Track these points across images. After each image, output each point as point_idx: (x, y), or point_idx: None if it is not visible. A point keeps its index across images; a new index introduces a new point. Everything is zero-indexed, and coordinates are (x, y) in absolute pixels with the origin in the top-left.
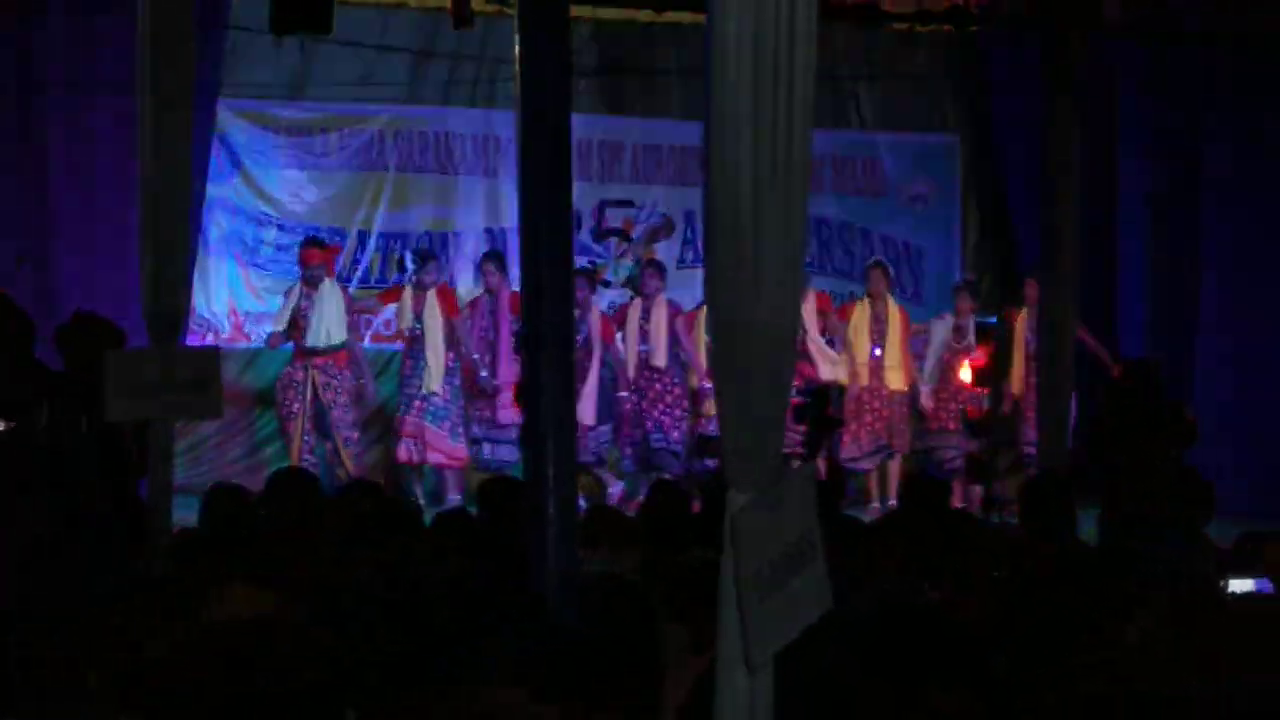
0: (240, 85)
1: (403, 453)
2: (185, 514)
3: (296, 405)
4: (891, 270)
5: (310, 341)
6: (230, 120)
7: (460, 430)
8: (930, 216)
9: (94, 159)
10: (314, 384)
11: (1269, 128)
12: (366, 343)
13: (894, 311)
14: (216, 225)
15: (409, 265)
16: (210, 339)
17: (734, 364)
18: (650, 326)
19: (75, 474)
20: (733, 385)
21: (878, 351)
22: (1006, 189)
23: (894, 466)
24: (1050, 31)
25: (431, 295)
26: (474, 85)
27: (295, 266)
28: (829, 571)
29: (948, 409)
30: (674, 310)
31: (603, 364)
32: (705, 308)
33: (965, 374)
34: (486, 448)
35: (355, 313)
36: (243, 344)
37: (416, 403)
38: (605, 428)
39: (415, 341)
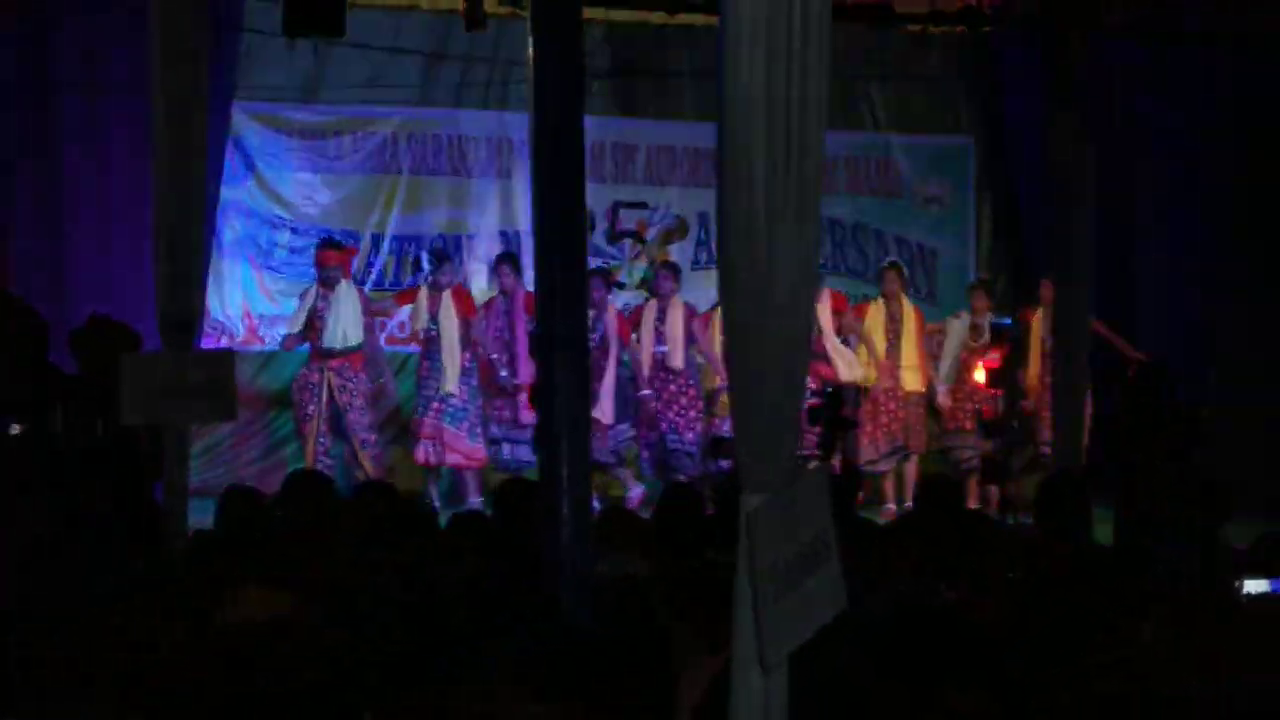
0: (254, 88)
1: (421, 454)
2: (201, 517)
3: (312, 407)
4: (906, 271)
5: (326, 343)
6: (244, 123)
7: (479, 430)
8: (944, 218)
9: (108, 160)
10: (329, 386)
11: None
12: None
13: (909, 312)
14: (231, 228)
15: (425, 265)
16: (224, 342)
17: (748, 365)
18: (666, 328)
19: (76, 474)
20: (747, 386)
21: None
22: (1019, 190)
23: (910, 468)
24: (1050, 32)
25: (447, 296)
26: (487, 87)
27: (309, 269)
28: (844, 572)
29: (964, 409)
30: (689, 311)
31: (620, 362)
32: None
33: (980, 375)
34: (506, 448)
35: (371, 315)
36: (257, 347)
37: (435, 404)
38: (624, 425)
39: (431, 343)
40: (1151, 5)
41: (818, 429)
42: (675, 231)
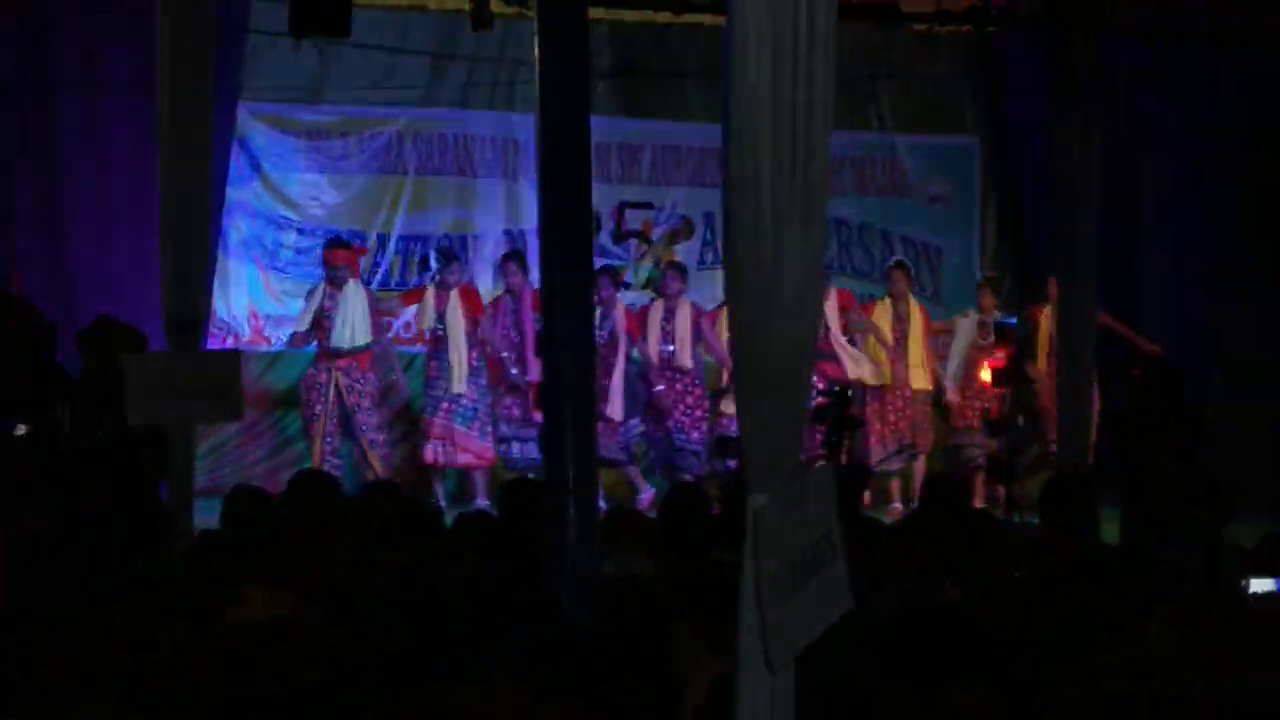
0: (260, 89)
1: (430, 454)
2: (208, 517)
3: (319, 407)
4: (912, 270)
5: (334, 343)
6: (250, 124)
7: (489, 429)
8: (950, 217)
9: (108, 160)
10: (337, 386)
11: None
12: None
13: (915, 311)
14: (236, 229)
15: (433, 264)
16: (230, 342)
17: (754, 364)
18: (673, 327)
19: (77, 474)
20: (753, 386)
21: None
22: (1024, 189)
23: (918, 467)
24: (1055, 32)
25: (454, 295)
26: (493, 88)
27: (315, 270)
28: (849, 572)
29: (972, 407)
30: (696, 310)
31: (629, 359)
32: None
33: (985, 374)
34: (515, 446)
35: (378, 314)
36: (263, 347)
37: (444, 404)
38: (634, 421)
39: (439, 343)
40: (1156, 5)
41: (823, 428)
42: (681, 232)
